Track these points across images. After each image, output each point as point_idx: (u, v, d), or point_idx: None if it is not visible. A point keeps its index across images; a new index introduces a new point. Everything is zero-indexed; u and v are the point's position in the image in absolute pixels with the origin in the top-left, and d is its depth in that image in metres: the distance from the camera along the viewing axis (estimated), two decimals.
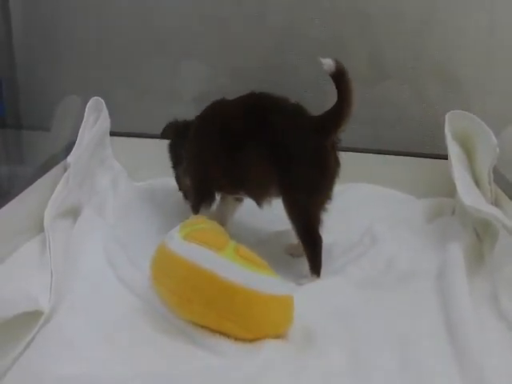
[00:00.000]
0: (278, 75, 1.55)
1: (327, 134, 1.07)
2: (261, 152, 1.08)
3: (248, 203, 1.21)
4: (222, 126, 1.14)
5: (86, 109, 1.35)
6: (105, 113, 1.38)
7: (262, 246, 1.14)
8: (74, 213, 1.22)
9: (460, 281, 1.03)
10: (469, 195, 1.16)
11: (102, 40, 1.61)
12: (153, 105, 1.58)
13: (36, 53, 1.65)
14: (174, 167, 1.32)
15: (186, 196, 1.32)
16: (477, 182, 1.24)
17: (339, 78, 1.04)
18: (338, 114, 1.05)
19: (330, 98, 1.06)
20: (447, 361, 0.87)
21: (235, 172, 1.13)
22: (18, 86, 1.66)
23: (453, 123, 1.30)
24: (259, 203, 1.15)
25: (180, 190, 1.34)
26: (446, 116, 1.31)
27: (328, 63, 1.04)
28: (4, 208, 1.10)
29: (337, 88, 1.04)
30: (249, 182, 1.13)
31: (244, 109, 1.12)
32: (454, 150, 1.27)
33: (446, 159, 1.27)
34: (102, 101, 1.35)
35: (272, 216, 1.19)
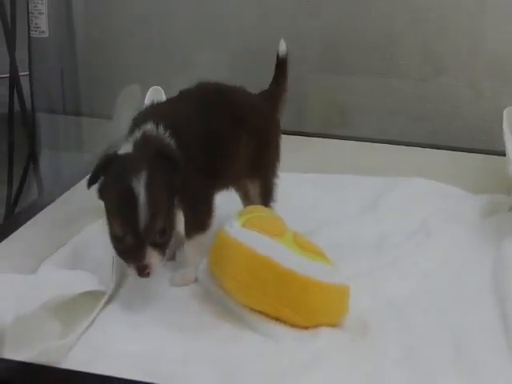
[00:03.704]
0: (329, 70, 1.56)
1: (277, 107, 1.18)
2: (240, 135, 1.07)
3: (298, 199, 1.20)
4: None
5: (146, 97, 1.37)
6: None
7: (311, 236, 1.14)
8: None
9: None
10: None
11: (163, 29, 1.64)
12: None
13: (97, 42, 1.69)
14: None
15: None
16: None
17: (284, 62, 1.18)
18: (280, 87, 1.19)
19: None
20: (502, 355, 0.87)
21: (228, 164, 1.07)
22: (79, 75, 1.70)
23: (511, 119, 1.28)
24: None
25: None
26: (504, 112, 1.29)
27: (284, 48, 1.17)
28: (67, 192, 1.14)
29: (278, 68, 1.18)
30: (238, 168, 1.09)
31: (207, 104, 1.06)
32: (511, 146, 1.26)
33: (504, 155, 1.25)
34: (162, 90, 1.37)
35: (315, 206, 1.29)
